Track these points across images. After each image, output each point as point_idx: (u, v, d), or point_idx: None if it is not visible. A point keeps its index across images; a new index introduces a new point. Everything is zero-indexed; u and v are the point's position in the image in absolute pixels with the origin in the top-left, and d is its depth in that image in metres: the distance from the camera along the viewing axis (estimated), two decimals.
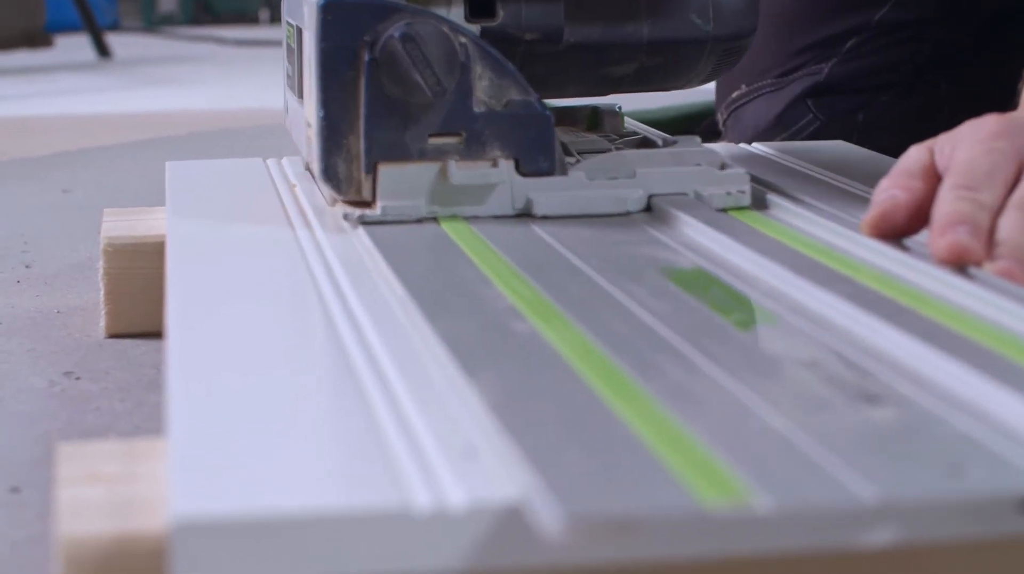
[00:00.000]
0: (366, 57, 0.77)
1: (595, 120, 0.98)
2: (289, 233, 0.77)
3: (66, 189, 1.43)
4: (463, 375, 0.51)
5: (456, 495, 0.43)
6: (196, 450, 0.46)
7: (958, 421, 0.48)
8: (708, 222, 0.75)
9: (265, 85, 2.50)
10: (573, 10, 0.86)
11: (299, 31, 0.90)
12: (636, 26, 0.86)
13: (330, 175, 0.79)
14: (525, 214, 0.80)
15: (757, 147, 1.04)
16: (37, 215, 1.30)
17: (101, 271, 0.88)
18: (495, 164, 0.79)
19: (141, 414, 0.76)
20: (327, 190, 0.81)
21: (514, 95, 0.80)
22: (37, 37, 3.00)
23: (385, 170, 0.78)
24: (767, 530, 0.41)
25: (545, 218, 0.79)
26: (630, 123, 0.99)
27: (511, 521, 0.42)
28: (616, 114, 0.99)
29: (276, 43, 3.32)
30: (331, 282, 0.67)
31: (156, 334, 0.85)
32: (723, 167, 0.83)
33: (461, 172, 0.78)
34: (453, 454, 0.46)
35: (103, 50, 3.13)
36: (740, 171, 0.82)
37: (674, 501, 0.41)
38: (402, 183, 0.78)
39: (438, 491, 0.43)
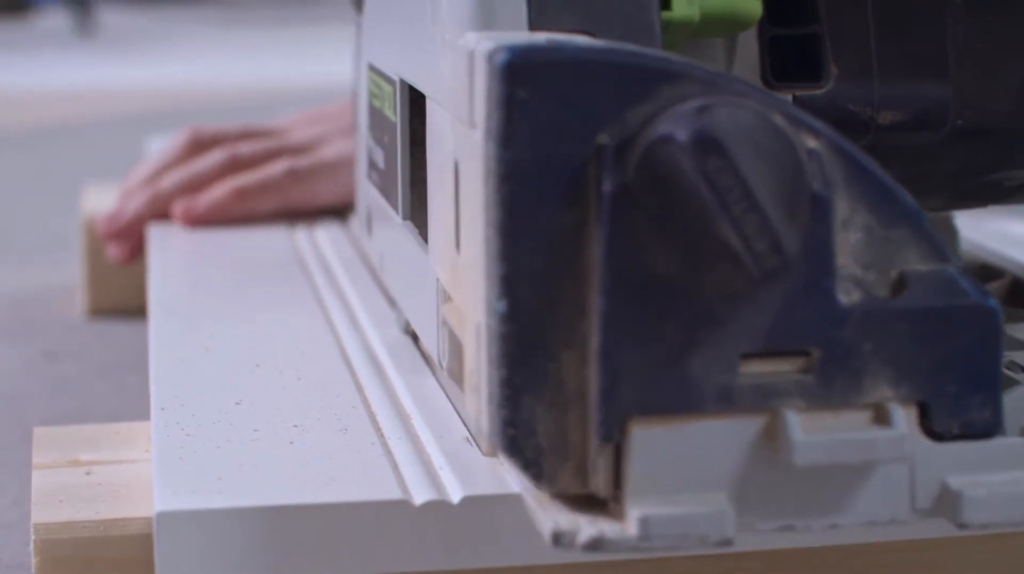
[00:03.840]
0: (607, 184, 0.34)
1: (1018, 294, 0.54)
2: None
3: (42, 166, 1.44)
4: None
5: (452, 489, 0.40)
6: (181, 441, 0.44)
7: None
8: None
9: (257, 58, 2.51)
10: (968, 77, 0.43)
11: (411, 95, 0.46)
12: None
13: (517, 440, 0.35)
14: (940, 518, 0.37)
15: None
16: (12, 191, 1.30)
17: (83, 249, 0.84)
18: (880, 417, 0.36)
19: (122, 396, 0.73)
20: (512, 467, 0.38)
21: (914, 260, 0.36)
22: (15, 3, 3.08)
23: (646, 435, 0.35)
24: None
25: (987, 528, 0.36)
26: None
27: (510, 514, 0.39)
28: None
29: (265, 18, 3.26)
30: (320, 260, 0.64)
31: (137, 312, 0.79)
32: None
33: (811, 438, 0.35)
34: (449, 446, 0.43)
35: (84, 20, 3.02)
36: None
37: None
38: (683, 463, 0.35)
39: (435, 485, 0.40)
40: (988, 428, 0.36)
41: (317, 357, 0.52)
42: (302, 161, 0.76)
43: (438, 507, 0.40)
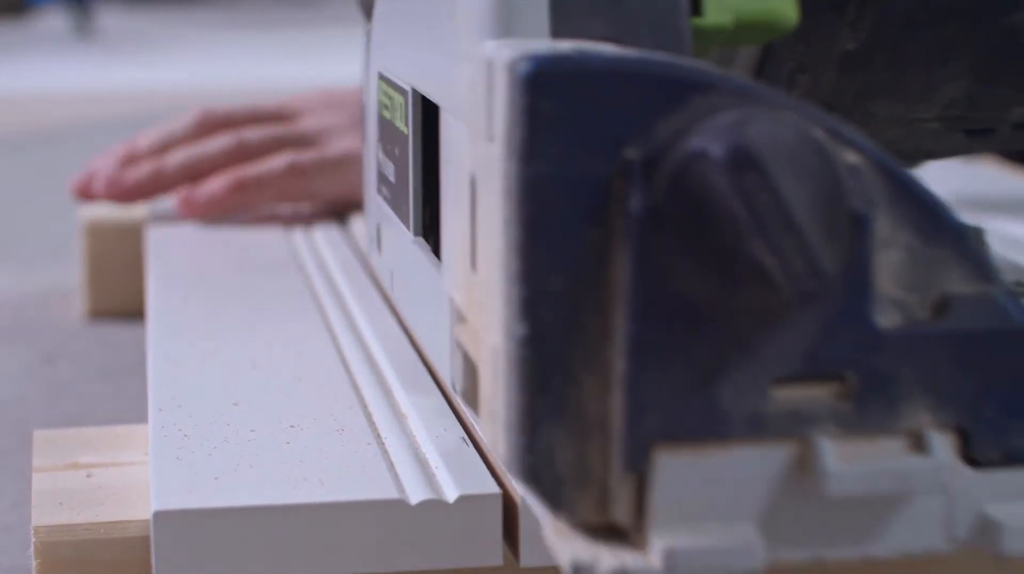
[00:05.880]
0: (634, 201, 0.32)
1: None
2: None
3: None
4: None
5: (448, 489, 0.41)
6: (178, 442, 0.44)
7: None
8: None
9: (256, 60, 2.50)
10: None
11: (424, 105, 0.45)
12: None
13: (536, 468, 0.34)
14: (981, 549, 0.35)
15: None
16: (12, 193, 1.30)
17: (83, 251, 0.84)
18: (917, 444, 0.34)
19: (122, 400, 0.73)
20: (532, 496, 0.36)
21: (956, 282, 0.35)
22: (14, 4, 3.09)
23: (672, 463, 0.33)
24: None
25: None
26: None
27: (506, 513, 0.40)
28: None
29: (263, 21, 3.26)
30: (317, 262, 0.64)
31: (137, 314, 0.80)
32: None
33: (846, 467, 0.34)
34: (445, 446, 0.43)
35: (84, 22, 3.02)
36: None
37: None
38: (710, 493, 0.34)
39: (431, 485, 0.41)
40: None
41: (314, 358, 0.52)
42: (304, 156, 0.75)
43: (434, 507, 0.40)
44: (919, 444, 0.34)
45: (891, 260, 0.34)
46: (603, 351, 0.33)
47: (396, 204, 0.51)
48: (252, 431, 0.45)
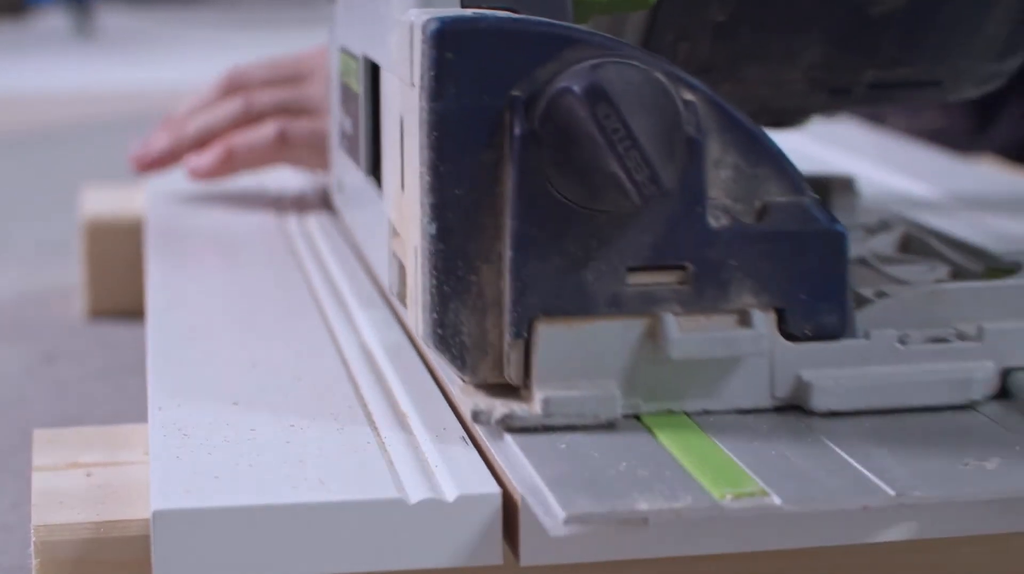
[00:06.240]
0: (517, 129, 0.42)
1: (822, 200, 0.62)
2: (271, 211, 0.75)
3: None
4: None
5: (447, 487, 0.41)
6: (178, 441, 0.44)
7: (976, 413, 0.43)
8: None
9: (253, 60, 2.41)
10: None
11: (371, 68, 0.54)
12: None
13: (445, 338, 0.43)
14: (795, 407, 0.44)
15: None
16: (12, 192, 1.29)
17: (83, 250, 0.84)
18: (743, 320, 0.44)
19: (121, 399, 0.73)
20: (440, 362, 0.46)
21: (775, 194, 0.44)
22: (14, 4, 3.04)
23: (550, 333, 0.43)
24: (783, 526, 0.39)
25: (832, 415, 0.44)
26: (872, 205, 0.64)
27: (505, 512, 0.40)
28: (850, 189, 0.64)
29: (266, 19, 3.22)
30: (316, 262, 0.64)
31: (136, 314, 0.78)
32: None
33: (686, 336, 0.43)
34: (445, 445, 0.43)
35: (84, 22, 2.99)
36: None
37: (684, 495, 0.38)
38: (580, 356, 0.43)
39: (430, 484, 0.41)
40: (836, 331, 0.44)
41: (314, 357, 0.52)
42: (296, 126, 0.78)
43: (433, 506, 0.40)
44: (745, 320, 0.44)
45: (722, 176, 0.44)
46: (496, 245, 0.43)
47: (352, 151, 0.61)
48: (252, 430, 0.45)
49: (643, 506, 0.38)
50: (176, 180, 0.81)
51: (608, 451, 0.42)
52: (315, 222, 0.72)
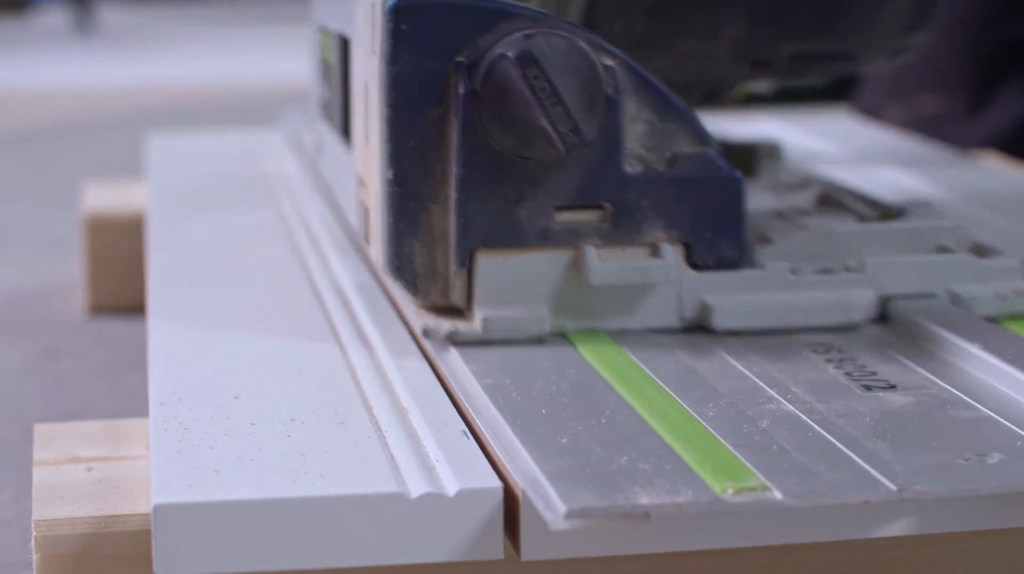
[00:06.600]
0: (461, 89, 0.50)
1: (749, 164, 0.70)
2: (273, 206, 0.74)
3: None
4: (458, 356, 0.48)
5: (448, 481, 0.41)
6: (178, 435, 0.44)
7: (977, 408, 0.44)
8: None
9: (256, 56, 2.46)
10: None
11: (343, 42, 0.62)
12: None
13: (401, 267, 0.51)
14: (699, 327, 0.52)
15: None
16: (12, 189, 1.29)
17: (84, 247, 0.85)
18: (654, 252, 0.51)
19: (122, 394, 0.73)
20: (396, 288, 0.53)
21: (684, 146, 0.52)
22: (15, 1, 3.02)
23: (488, 262, 0.51)
24: (784, 521, 0.40)
25: (731, 334, 0.52)
26: (798, 169, 0.71)
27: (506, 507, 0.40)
28: (776, 154, 0.71)
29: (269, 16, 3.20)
30: (318, 256, 0.64)
31: (137, 310, 0.81)
32: (983, 252, 0.56)
33: (604, 265, 0.51)
34: (446, 439, 0.44)
35: (84, 19, 2.98)
36: (1011, 260, 0.55)
37: (685, 490, 0.38)
38: (514, 282, 0.51)
39: (431, 479, 0.41)
40: (735, 262, 0.52)
41: (315, 351, 0.52)
42: None
43: (434, 500, 0.40)
44: (656, 252, 0.51)
45: (637, 130, 0.51)
46: (443, 188, 0.51)
47: (329, 116, 0.68)
48: (252, 424, 0.45)
49: (644, 500, 0.38)
50: (176, 175, 0.82)
51: (586, 416, 0.44)
52: (315, 213, 0.72)
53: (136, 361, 0.76)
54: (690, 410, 0.45)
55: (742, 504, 0.38)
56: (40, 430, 0.49)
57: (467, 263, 0.51)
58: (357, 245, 0.62)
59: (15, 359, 0.80)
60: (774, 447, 0.42)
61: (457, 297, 0.51)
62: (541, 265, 0.51)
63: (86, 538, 0.42)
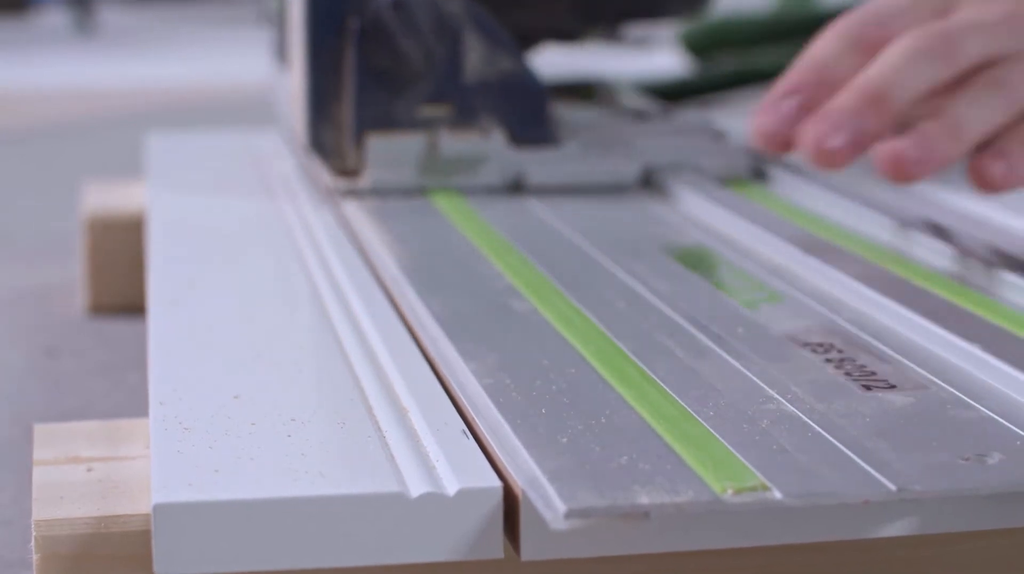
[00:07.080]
0: (355, 26, 0.75)
1: (589, 94, 0.95)
2: (273, 206, 0.76)
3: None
4: (459, 356, 0.50)
5: (448, 481, 0.41)
6: (179, 435, 0.44)
7: (977, 408, 0.45)
8: (709, 196, 0.73)
9: (256, 56, 2.43)
10: None
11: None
12: None
13: (317, 144, 0.77)
14: (518, 186, 0.77)
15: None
16: (12, 188, 1.29)
17: (84, 246, 0.86)
18: (486, 134, 0.77)
19: (122, 393, 0.74)
20: (314, 159, 0.79)
21: (507, 65, 0.77)
22: (15, 2, 3.00)
23: (373, 140, 0.76)
24: (784, 520, 0.40)
25: (539, 191, 0.77)
26: (626, 97, 0.97)
27: (506, 506, 0.41)
28: (610, 87, 0.97)
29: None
30: (317, 257, 0.65)
31: (138, 309, 0.82)
32: (720, 138, 0.81)
33: (451, 142, 0.76)
34: (446, 439, 0.44)
35: (84, 19, 2.98)
36: (738, 143, 0.80)
37: (685, 489, 0.39)
38: (391, 154, 0.76)
39: (431, 478, 0.41)
40: (543, 140, 0.77)
41: (315, 351, 0.52)
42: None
43: (434, 500, 0.40)
44: (487, 134, 0.77)
45: (474, 54, 0.77)
46: (344, 93, 0.76)
47: (279, 53, 0.94)
48: (253, 424, 0.45)
49: (644, 500, 0.39)
50: (176, 174, 0.84)
51: (586, 415, 0.44)
52: (316, 214, 0.74)
53: (136, 361, 0.75)
54: (690, 410, 0.45)
55: (742, 504, 0.39)
56: (40, 430, 0.48)
57: (360, 141, 0.76)
58: (358, 245, 0.67)
59: (15, 359, 0.79)
60: (774, 447, 0.42)
61: (353, 164, 0.77)
62: (410, 142, 0.76)
63: (86, 538, 0.42)
